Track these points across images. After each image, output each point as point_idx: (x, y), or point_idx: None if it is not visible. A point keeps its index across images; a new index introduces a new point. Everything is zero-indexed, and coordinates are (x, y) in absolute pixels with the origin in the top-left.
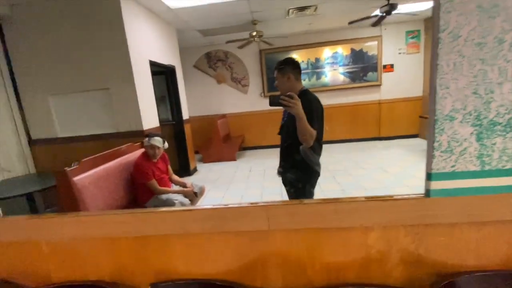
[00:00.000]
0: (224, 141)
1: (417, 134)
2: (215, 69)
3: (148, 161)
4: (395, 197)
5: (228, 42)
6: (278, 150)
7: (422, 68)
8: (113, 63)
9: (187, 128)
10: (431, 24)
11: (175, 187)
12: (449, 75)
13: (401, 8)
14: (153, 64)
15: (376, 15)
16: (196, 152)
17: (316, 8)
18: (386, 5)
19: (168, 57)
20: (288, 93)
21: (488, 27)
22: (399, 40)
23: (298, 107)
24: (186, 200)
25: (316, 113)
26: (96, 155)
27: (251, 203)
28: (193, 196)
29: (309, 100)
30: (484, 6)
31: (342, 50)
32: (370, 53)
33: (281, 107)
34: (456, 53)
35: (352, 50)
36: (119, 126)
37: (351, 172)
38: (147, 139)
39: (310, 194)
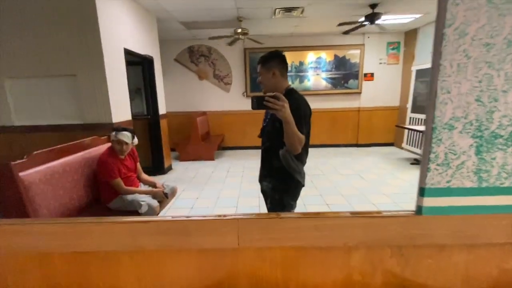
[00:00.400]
0: (203, 139)
1: (393, 142)
2: (197, 64)
3: (114, 157)
4: (383, 214)
5: (211, 38)
6: (258, 151)
7: (400, 79)
8: (82, 48)
9: (163, 124)
10: (410, 37)
11: (144, 187)
12: (451, 78)
13: (385, 19)
14: (128, 52)
15: (361, 22)
16: (173, 150)
17: (303, 10)
18: (370, 14)
19: (146, 47)
20: (274, 94)
21: (497, 26)
22: (380, 50)
23: (286, 110)
24: (155, 202)
25: (304, 116)
26: (51, 148)
27: (219, 216)
28: (163, 197)
29: (297, 101)
30: (495, 2)
31: (326, 56)
32: (352, 61)
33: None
34: (461, 53)
35: (336, 56)
36: (85, 117)
37: (329, 177)
38: (114, 133)
39: (289, 207)
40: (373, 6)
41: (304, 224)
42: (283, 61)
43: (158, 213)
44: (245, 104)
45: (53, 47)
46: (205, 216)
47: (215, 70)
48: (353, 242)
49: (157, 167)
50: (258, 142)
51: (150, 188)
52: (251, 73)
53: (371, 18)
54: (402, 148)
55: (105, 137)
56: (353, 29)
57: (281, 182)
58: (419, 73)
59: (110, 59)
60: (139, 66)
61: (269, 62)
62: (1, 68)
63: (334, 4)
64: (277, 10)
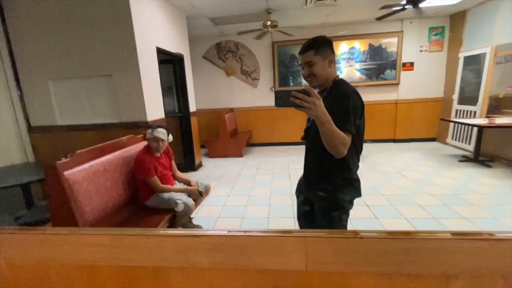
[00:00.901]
0: (231, 136)
1: (435, 137)
2: (225, 61)
3: (150, 155)
4: (496, 236)
5: (239, 33)
6: (287, 148)
7: (445, 68)
8: (117, 48)
9: (194, 121)
10: (456, 21)
11: (179, 185)
12: None
13: (430, 1)
14: (160, 51)
15: (403, 5)
16: (202, 147)
17: None
18: None
19: (176, 45)
20: (303, 88)
21: None
22: (421, 36)
23: (318, 107)
24: (190, 200)
25: (353, 110)
26: (92, 147)
27: (283, 232)
28: (198, 195)
29: (344, 92)
30: None
31: (360, 45)
32: (389, 50)
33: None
34: None
35: (370, 45)
36: (121, 116)
37: (367, 175)
38: (150, 130)
39: (340, 225)
40: None
41: (390, 246)
42: (332, 46)
43: (193, 211)
44: (273, 100)
45: (90, 48)
46: (266, 232)
47: (242, 66)
48: (453, 270)
49: (189, 164)
50: (286, 138)
51: (185, 187)
52: (279, 67)
53: (415, 0)
54: (446, 144)
55: (141, 135)
56: (390, 14)
57: (337, 192)
58: (468, 60)
59: (144, 58)
60: (170, 65)
61: (324, 48)
62: (46, 71)
63: None
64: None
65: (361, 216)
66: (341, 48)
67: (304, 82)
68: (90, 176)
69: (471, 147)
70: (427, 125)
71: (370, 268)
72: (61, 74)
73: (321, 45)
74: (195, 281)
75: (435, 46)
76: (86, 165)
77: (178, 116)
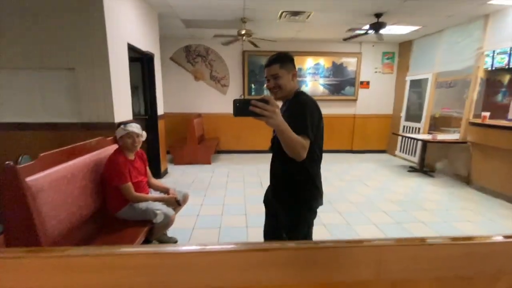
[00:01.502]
0: (199, 142)
1: (385, 149)
2: (194, 65)
3: (124, 158)
4: None
5: (216, 36)
6: (254, 156)
7: (394, 88)
8: (84, 40)
9: (161, 125)
10: (404, 48)
11: (154, 193)
12: None
13: (389, 29)
14: (130, 48)
15: (366, 30)
16: (167, 153)
17: (309, 15)
18: (376, 23)
19: (147, 43)
20: (262, 96)
21: None
22: (376, 59)
23: (278, 116)
24: (170, 210)
25: (310, 116)
26: (58, 149)
27: (353, 241)
28: (176, 204)
29: (302, 101)
30: None
31: (324, 62)
32: (349, 68)
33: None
34: None
35: (333, 63)
36: (83, 115)
37: (333, 182)
38: (122, 126)
39: (306, 233)
40: (378, 15)
41: (455, 251)
42: (294, 62)
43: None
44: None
45: (49, 36)
46: (337, 243)
47: (212, 71)
48: (505, 270)
49: (154, 171)
50: (254, 146)
51: (161, 195)
52: (249, 76)
53: (376, 27)
54: (395, 155)
55: (110, 138)
56: (355, 36)
57: (301, 200)
58: (413, 83)
59: (114, 53)
60: (137, 63)
61: (288, 63)
62: None
63: (341, 12)
64: (283, 14)
65: (336, 223)
66: (308, 63)
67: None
68: (56, 183)
69: (415, 159)
70: (379, 138)
71: (435, 273)
72: (8, 63)
73: (286, 60)
74: None
75: (387, 69)
76: (51, 170)
77: (145, 118)
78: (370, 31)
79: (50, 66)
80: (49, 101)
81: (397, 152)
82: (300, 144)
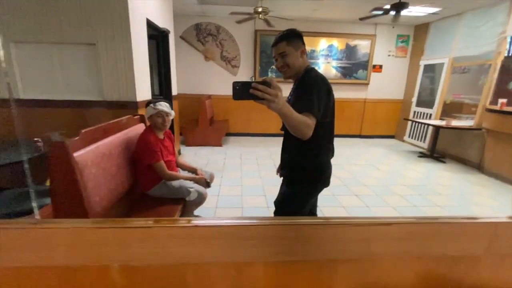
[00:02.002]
0: (210, 124)
1: (394, 135)
2: (204, 44)
3: (155, 137)
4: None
5: (232, 13)
6: (264, 139)
7: (406, 73)
8: (105, 13)
9: (175, 106)
10: (420, 31)
11: (183, 173)
12: None
13: (410, 10)
14: (149, 24)
15: (387, 9)
16: (180, 134)
17: None
18: (397, 3)
19: (163, 19)
20: (264, 79)
21: None
22: (390, 42)
23: (279, 100)
24: (203, 189)
25: (317, 93)
26: (97, 126)
27: (469, 218)
28: (205, 185)
29: (311, 78)
30: None
31: (338, 44)
32: (362, 51)
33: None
34: None
35: (347, 45)
36: (105, 93)
37: (345, 167)
38: (152, 105)
39: (299, 203)
40: None
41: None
42: (303, 39)
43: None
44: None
45: (71, 9)
46: (453, 219)
47: (222, 51)
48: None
49: None
50: (264, 129)
51: (192, 175)
52: (261, 57)
53: (398, 7)
54: (403, 141)
55: (137, 116)
56: (372, 16)
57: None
58: (427, 68)
59: (135, 28)
60: (153, 41)
61: (295, 39)
62: (7, 31)
63: None
64: None
65: (354, 205)
66: (321, 45)
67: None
68: (97, 160)
69: (425, 144)
70: (388, 123)
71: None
72: (28, 37)
73: (293, 37)
74: (366, 270)
75: (400, 52)
76: (92, 147)
77: (160, 99)
78: (391, 12)
79: (69, 40)
80: (69, 77)
81: (406, 138)
82: (304, 123)
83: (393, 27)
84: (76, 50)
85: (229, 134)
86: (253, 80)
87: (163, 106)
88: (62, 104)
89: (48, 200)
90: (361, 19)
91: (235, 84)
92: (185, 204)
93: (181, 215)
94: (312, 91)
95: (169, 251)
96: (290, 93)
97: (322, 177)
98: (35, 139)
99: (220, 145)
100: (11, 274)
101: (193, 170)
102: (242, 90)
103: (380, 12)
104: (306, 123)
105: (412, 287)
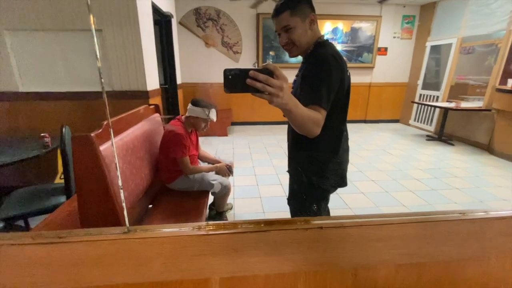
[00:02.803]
0: None
1: (398, 119)
2: (204, 29)
3: (186, 132)
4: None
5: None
6: (270, 127)
7: (411, 55)
8: None
9: (180, 95)
10: (426, 11)
11: (202, 165)
12: None
13: None
14: (154, 9)
15: None
16: None
17: None
18: None
19: (165, 1)
20: (265, 66)
21: None
22: (395, 23)
23: (284, 94)
24: (226, 180)
25: (327, 81)
26: (118, 117)
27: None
28: (228, 172)
29: (322, 58)
30: None
31: (343, 26)
32: (367, 33)
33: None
34: None
35: (352, 28)
36: (114, 83)
37: (357, 153)
38: (205, 109)
39: (310, 207)
40: None
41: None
42: (311, 2)
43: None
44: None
45: None
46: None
47: (223, 37)
48: None
49: None
50: (268, 117)
51: (212, 165)
52: (264, 42)
53: None
54: (409, 125)
55: (152, 106)
56: None
57: (316, 167)
58: (433, 49)
59: (143, 14)
60: (156, 27)
61: (301, 5)
62: (1, 18)
63: None
64: None
65: (374, 191)
66: (326, 27)
67: (293, 58)
68: (122, 153)
69: (431, 128)
70: (393, 107)
71: None
72: (25, 24)
73: (298, 3)
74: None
75: (406, 34)
76: (117, 139)
77: (165, 87)
78: None
79: (74, 26)
80: (72, 67)
81: (411, 122)
82: (312, 120)
83: (404, 6)
84: (80, 38)
85: (234, 124)
86: (251, 68)
87: (214, 114)
88: (64, 96)
89: (62, 198)
90: None
91: (227, 72)
92: (214, 197)
93: (211, 208)
94: (321, 77)
95: (287, 258)
96: (299, 70)
97: (334, 176)
98: (42, 134)
99: (226, 135)
100: None
101: (214, 162)
102: (236, 80)
103: None
104: (315, 120)
105: None
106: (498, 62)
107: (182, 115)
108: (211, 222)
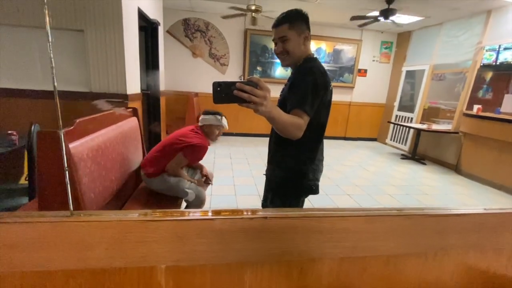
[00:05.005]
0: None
1: (376, 138)
2: (192, 40)
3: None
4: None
5: (224, 17)
6: (252, 139)
7: (389, 78)
8: None
9: (162, 102)
10: (402, 39)
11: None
12: None
13: (398, 16)
14: (139, 14)
15: (376, 16)
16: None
17: None
18: (386, 9)
19: (153, 10)
20: (249, 79)
21: None
22: (375, 47)
23: (267, 103)
24: (202, 191)
25: (313, 89)
26: (91, 116)
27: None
28: (205, 186)
29: (309, 69)
30: None
31: (326, 47)
32: (349, 55)
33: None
34: None
35: (334, 49)
36: (92, 84)
37: (335, 168)
38: (217, 116)
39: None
40: (389, 1)
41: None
42: (309, 22)
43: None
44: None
45: None
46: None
47: (211, 49)
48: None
49: None
50: (251, 129)
51: (194, 177)
52: (250, 56)
53: (386, 13)
54: (386, 144)
55: (130, 109)
56: (365, 19)
57: (293, 175)
58: (408, 74)
59: (127, 17)
60: (141, 32)
61: (300, 23)
62: None
63: None
64: None
65: (347, 204)
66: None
67: (277, 74)
68: (92, 153)
69: (406, 147)
70: (372, 126)
71: None
72: (3, 19)
73: (297, 20)
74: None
75: (384, 58)
76: (87, 139)
77: (147, 93)
78: (380, 18)
79: (55, 24)
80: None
81: (387, 141)
82: (295, 125)
83: (382, 32)
84: (61, 37)
85: None
86: (238, 80)
87: (225, 121)
88: (41, 95)
89: (24, 200)
90: (352, 18)
91: (216, 85)
92: (188, 205)
93: None
94: (307, 86)
95: (233, 247)
96: (288, 80)
97: (307, 182)
98: (9, 132)
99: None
100: (36, 279)
101: (200, 167)
102: (224, 92)
103: (370, 20)
104: (297, 125)
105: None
106: (465, 89)
107: (196, 126)
108: (158, 210)
